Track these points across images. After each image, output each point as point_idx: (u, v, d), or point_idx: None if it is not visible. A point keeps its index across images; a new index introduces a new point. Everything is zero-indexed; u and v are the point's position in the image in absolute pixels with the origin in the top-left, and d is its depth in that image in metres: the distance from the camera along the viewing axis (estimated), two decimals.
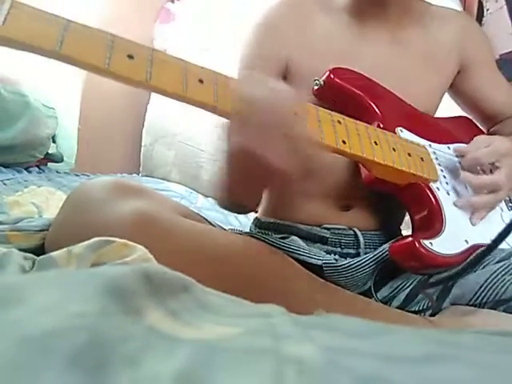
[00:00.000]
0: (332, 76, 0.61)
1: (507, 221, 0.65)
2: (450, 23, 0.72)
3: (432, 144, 0.65)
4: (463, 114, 0.80)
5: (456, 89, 0.76)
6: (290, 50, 0.66)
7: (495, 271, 0.53)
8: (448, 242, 0.56)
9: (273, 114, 0.38)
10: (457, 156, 0.66)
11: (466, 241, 0.58)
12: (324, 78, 0.61)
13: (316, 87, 0.62)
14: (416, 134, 0.64)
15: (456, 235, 0.58)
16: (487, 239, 0.60)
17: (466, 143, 0.69)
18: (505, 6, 1.32)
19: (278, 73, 0.67)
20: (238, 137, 0.39)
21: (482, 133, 0.77)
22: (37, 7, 0.37)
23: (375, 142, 0.54)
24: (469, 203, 0.59)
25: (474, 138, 0.64)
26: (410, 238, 0.55)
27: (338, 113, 0.53)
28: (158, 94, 0.41)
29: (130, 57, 0.40)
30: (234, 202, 0.53)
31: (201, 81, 0.42)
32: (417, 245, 0.54)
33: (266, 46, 0.68)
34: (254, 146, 0.38)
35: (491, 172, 0.59)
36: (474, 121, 0.78)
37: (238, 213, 0.67)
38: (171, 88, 0.41)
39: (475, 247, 0.58)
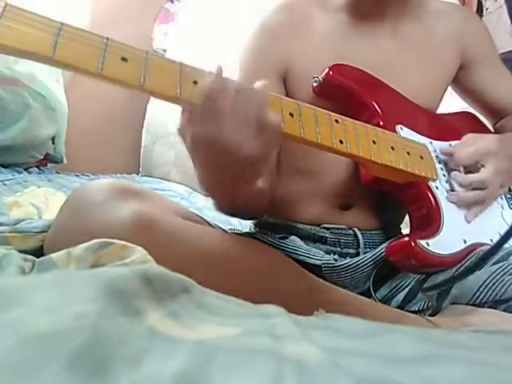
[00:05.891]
0: (331, 73, 0.61)
1: (507, 219, 0.65)
2: (449, 17, 0.71)
3: (433, 141, 0.64)
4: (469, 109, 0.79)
5: (459, 84, 0.75)
6: (289, 54, 0.66)
7: (494, 271, 0.53)
8: (445, 242, 0.56)
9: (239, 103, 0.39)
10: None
11: (464, 240, 0.58)
12: (323, 74, 0.61)
13: (315, 84, 0.61)
14: (416, 132, 0.63)
15: (454, 234, 0.58)
16: (487, 238, 0.60)
17: None
18: (504, 6, 1.32)
19: (279, 78, 0.67)
20: (202, 127, 0.40)
21: (486, 128, 0.76)
22: (29, 10, 0.37)
23: (373, 141, 0.53)
24: (458, 197, 0.60)
25: (463, 138, 0.64)
26: (407, 238, 0.55)
27: (339, 110, 0.53)
28: (153, 96, 0.42)
29: (124, 59, 0.39)
30: (222, 205, 0.54)
31: (195, 82, 0.42)
32: (413, 244, 0.53)
33: (265, 53, 0.68)
34: (215, 134, 0.39)
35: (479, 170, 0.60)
36: (477, 116, 0.77)
37: (242, 218, 0.67)
38: (166, 91, 0.41)
39: (474, 246, 0.57)
